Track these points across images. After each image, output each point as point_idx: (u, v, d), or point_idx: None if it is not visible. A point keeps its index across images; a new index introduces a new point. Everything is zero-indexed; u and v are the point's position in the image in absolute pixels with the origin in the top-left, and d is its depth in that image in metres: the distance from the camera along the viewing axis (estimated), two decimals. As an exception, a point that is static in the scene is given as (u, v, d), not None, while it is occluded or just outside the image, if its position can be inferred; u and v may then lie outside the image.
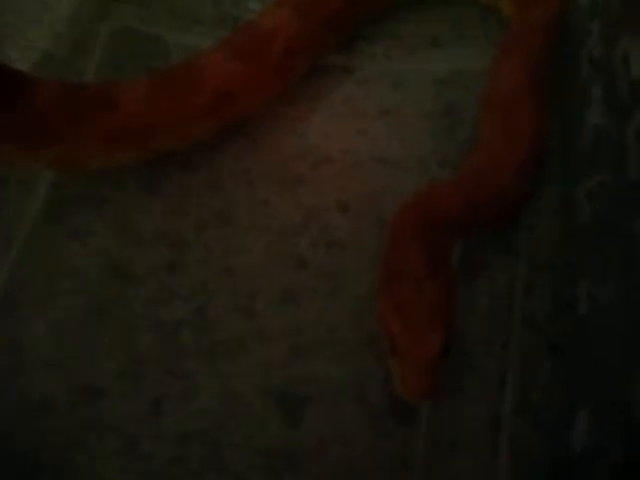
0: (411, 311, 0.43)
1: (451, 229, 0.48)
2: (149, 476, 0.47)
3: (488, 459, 0.46)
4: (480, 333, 0.50)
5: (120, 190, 0.57)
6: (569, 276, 0.51)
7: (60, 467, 0.47)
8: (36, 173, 0.58)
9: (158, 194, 0.57)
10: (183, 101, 0.55)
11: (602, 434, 0.43)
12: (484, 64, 0.60)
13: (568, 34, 0.61)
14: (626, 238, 0.44)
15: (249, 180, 0.57)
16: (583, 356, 0.47)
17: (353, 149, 0.59)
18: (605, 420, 0.42)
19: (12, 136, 0.52)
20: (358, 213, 0.55)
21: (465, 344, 0.49)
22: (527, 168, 0.52)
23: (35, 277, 0.53)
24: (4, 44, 0.63)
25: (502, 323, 0.51)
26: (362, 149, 0.59)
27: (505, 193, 0.51)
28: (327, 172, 0.58)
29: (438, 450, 0.47)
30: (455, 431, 0.47)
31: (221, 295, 0.52)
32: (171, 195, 0.57)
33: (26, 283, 0.53)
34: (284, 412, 0.48)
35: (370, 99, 0.62)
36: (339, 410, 0.48)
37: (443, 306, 0.43)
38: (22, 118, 0.51)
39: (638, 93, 0.45)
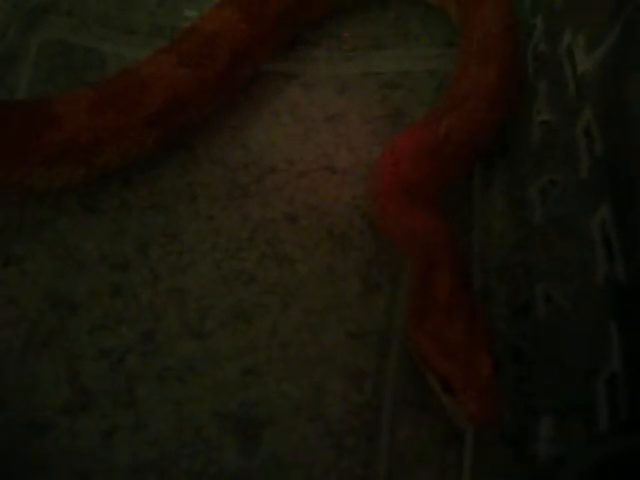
0: (452, 343, 0.42)
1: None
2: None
3: (453, 472, 0.45)
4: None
5: (58, 211, 0.54)
6: (525, 278, 0.51)
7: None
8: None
9: (98, 214, 0.54)
10: (130, 111, 0.52)
11: (566, 440, 0.42)
12: (429, 64, 0.59)
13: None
14: (580, 237, 0.43)
15: (192, 195, 0.55)
16: (544, 360, 0.46)
17: (299, 158, 0.57)
18: (568, 426, 0.42)
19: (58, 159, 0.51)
20: (307, 225, 0.54)
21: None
22: (502, 91, 0.53)
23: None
24: None
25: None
26: (308, 158, 0.57)
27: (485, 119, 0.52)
28: (273, 183, 0.56)
29: (401, 465, 0.45)
30: (418, 445, 0.46)
31: (169, 317, 0.50)
32: (112, 214, 0.54)
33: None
34: (240, 437, 0.46)
35: (315, 105, 0.60)
36: (297, 431, 0.46)
37: (478, 328, 0.42)
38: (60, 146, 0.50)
39: (585, 89, 0.44)
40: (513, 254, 0.52)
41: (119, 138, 0.53)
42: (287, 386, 0.47)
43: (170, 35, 0.62)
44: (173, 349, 0.49)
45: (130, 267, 0.52)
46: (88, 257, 0.53)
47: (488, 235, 0.53)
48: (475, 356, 0.41)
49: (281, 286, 0.51)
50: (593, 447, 0.39)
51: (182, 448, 0.46)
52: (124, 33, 0.65)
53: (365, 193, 0.54)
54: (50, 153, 0.51)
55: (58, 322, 0.50)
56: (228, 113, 0.59)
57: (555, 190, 0.49)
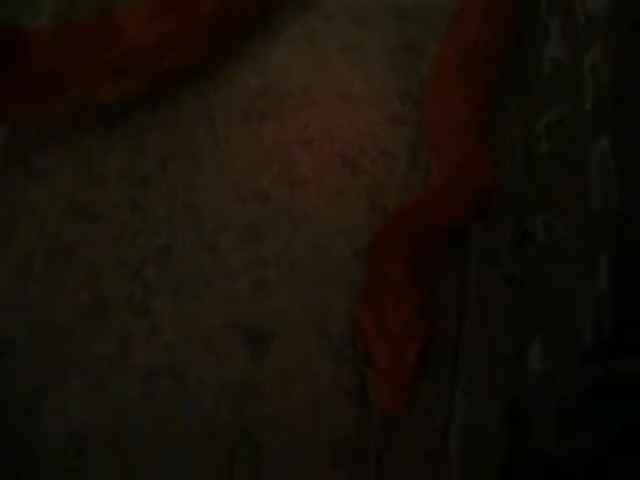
0: (389, 327, 0.42)
1: (436, 238, 0.47)
2: (119, 413, 0.48)
3: (447, 386, 0.48)
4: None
5: (80, 130, 0.56)
6: (528, 208, 0.52)
7: (29, 410, 0.48)
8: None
9: (119, 132, 0.56)
10: (186, 14, 0.55)
11: (555, 361, 0.44)
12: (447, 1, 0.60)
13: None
14: (580, 173, 0.45)
15: (211, 117, 0.57)
16: (539, 286, 0.48)
17: (315, 85, 0.58)
18: (557, 346, 0.44)
19: (20, 94, 0.51)
20: (320, 149, 0.56)
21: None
22: (493, 166, 0.51)
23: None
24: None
25: (461, 257, 0.52)
26: (324, 85, 0.58)
27: (484, 189, 0.50)
28: (289, 108, 0.57)
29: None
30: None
31: (185, 232, 0.53)
32: (132, 133, 0.56)
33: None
34: (249, 347, 0.49)
35: (332, 34, 0.61)
36: (302, 344, 0.49)
37: (420, 323, 0.42)
38: (23, 74, 0.50)
39: (594, 27, 0.46)
40: (520, 185, 0.54)
41: (178, 44, 0.55)
42: (294, 301, 0.50)
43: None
44: (188, 262, 0.52)
45: (149, 183, 0.55)
46: (109, 173, 0.55)
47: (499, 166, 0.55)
48: (406, 347, 0.41)
49: (293, 207, 0.53)
50: (576, 369, 0.42)
51: (193, 355, 0.49)
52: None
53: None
54: (120, 64, 0.53)
55: (79, 233, 0.53)
56: (246, 40, 0.60)
57: (561, 127, 0.50)
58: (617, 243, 0.40)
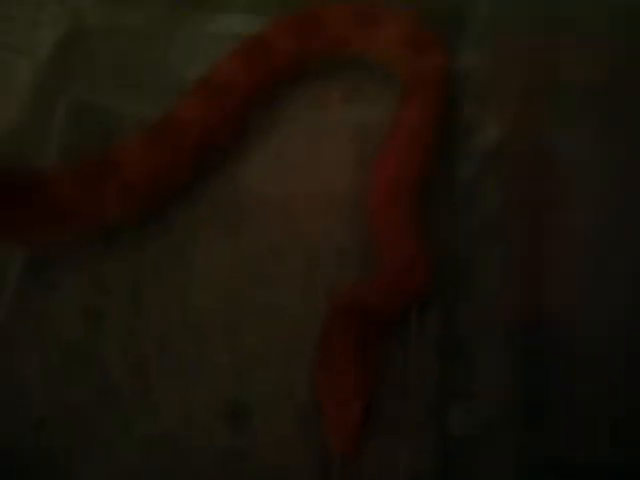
0: (338, 387, 0.52)
1: (374, 321, 0.57)
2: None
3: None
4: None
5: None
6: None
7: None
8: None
9: (117, 248, 0.67)
10: (174, 151, 0.65)
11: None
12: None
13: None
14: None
15: (193, 232, 0.69)
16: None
17: (282, 194, 0.69)
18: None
19: (39, 224, 0.62)
20: (286, 252, 0.67)
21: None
22: (428, 269, 0.62)
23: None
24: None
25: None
26: (289, 193, 0.69)
27: (414, 292, 0.61)
28: (261, 217, 0.69)
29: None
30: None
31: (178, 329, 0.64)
32: (128, 246, 0.67)
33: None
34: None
35: (293, 150, 0.72)
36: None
37: (363, 382, 0.52)
38: (42, 209, 0.61)
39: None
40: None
41: (170, 170, 0.66)
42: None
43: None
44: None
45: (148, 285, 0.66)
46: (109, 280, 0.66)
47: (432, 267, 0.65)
48: (351, 400, 0.51)
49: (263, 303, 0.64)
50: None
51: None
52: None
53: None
54: (118, 193, 0.63)
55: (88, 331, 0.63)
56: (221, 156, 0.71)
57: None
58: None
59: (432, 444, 0.58)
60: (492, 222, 0.61)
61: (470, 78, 0.73)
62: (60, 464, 0.58)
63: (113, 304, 0.64)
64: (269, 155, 0.72)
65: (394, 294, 0.60)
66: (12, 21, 0.78)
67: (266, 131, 0.74)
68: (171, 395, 0.60)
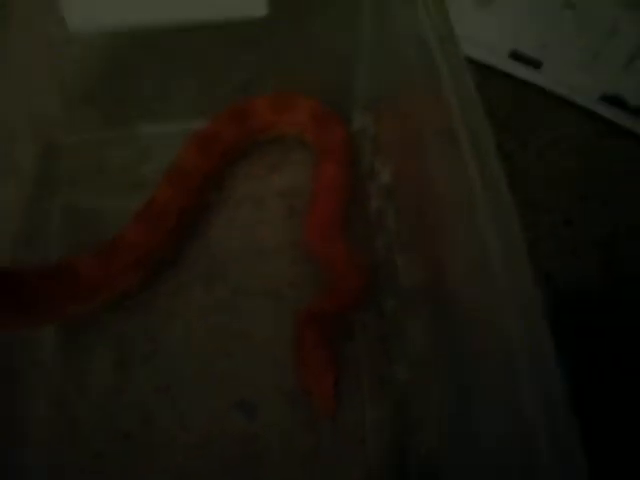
0: (313, 368, 0.69)
1: (331, 321, 0.75)
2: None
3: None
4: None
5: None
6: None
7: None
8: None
9: (110, 315, 0.81)
10: (157, 232, 0.81)
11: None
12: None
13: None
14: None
15: (171, 313, 0.85)
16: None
17: (246, 249, 0.87)
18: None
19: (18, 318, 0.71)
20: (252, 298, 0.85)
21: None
22: (361, 277, 0.81)
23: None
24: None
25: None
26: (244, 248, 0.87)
27: (355, 294, 0.79)
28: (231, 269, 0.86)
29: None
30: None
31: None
32: (120, 316, 0.82)
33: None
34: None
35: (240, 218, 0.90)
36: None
37: (331, 362, 0.69)
38: (26, 303, 0.70)
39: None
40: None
41: (155, 248, 0.80)
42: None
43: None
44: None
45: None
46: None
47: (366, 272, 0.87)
48: (325, 375, 0.68)
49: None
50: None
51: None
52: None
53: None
54: (79, 295, 0.75)
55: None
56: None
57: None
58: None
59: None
60: (395, 240, 0.83)
61: (365, 136, 0.95)
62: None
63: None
64: (225, 220, 0.90)
65: (341, 299, 0.78)
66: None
67: (222, 202, 0.91)
68: (195, 399, 0.77)
